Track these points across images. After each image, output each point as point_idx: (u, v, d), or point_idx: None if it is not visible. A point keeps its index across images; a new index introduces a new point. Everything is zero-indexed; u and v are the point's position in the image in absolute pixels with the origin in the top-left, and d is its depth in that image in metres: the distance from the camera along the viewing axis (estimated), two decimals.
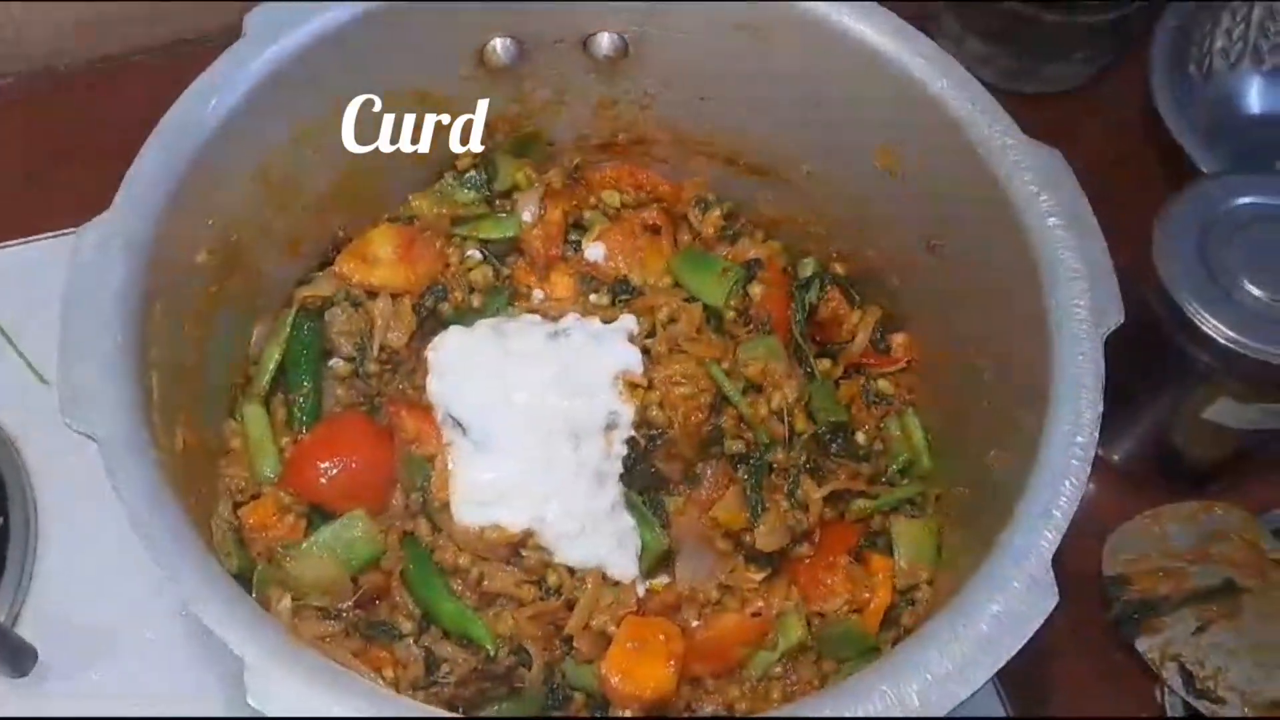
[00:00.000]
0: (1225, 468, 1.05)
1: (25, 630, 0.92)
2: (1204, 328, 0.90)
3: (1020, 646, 0.63)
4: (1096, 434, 0.70)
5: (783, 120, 0.93)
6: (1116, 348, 0.74)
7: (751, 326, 0.90)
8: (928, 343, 0.92)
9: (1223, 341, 0.89)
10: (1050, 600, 0.64)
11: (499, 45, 0.90)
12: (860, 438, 0.91)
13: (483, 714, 0.80)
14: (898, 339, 0.94)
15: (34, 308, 1.04)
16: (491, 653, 0.79)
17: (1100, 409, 0.70)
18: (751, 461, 0.85)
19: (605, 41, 0.91)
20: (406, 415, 0.85)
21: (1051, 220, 0.77)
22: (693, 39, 0.91)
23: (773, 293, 0.91)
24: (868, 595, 0.84)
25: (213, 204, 0.81)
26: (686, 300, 0.90)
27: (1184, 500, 1.02)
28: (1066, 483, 0.68)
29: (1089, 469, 0.69)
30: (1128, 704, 0.97)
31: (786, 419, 0.85)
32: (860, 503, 0.88)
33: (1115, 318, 0.74)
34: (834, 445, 0.89)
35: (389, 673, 0.79)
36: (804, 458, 0.86)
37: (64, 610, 0.94)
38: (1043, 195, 0.78)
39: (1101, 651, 0.98)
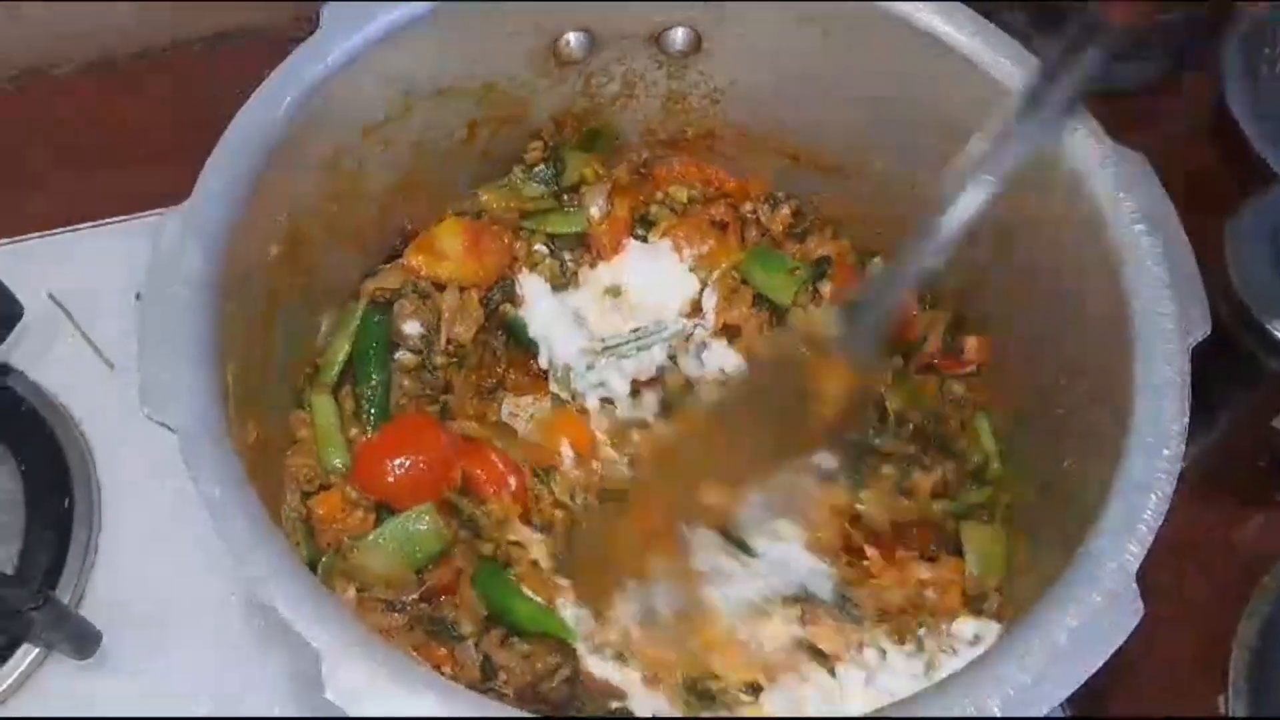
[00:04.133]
0: None
1: (89, 612, 0.92)
2: (1277, 334, 0.88)
3: (1103, 661, 0.62)
4: (1183, 446, 0.68)
5: (855, 117, 0.92)
6: None
7: None
8: (1001, 346, 0.91)
9: None
10: (1135, 615, 0.63)
11: (572, 39, 0.90)
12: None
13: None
14: (969, 341, 0.93)
15: (100, 292, 1.05)
16: (574, 644, 0.78)
17: (1186, 420, 0.69)
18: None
19: (678, 36, 0.91)
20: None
21: (1136, 226, 0.75)
22: (765, 33, 0.90)
23: (843, 292, 0.91)
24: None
25: (284, 198, 0.82)
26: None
27: (1250, 510, 1.00)
28: (1152, 495, 0.67)
29: (1175, 481, 0.67)
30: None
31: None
32: (936, 505, 0.87)
33: (1202, 328, 0.72)
34: (933, 441, 0.89)
35: (447, 670, 0.79)
36: (914, 448, 0.86)
37: (128, 593, 0.94)
38: (1126, 200, 0.76)
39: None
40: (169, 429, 0.66)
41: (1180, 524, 0.98)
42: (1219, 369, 0.93)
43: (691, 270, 0.95)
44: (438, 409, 0.89)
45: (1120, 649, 0.63)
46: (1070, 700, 0.89)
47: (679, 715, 0.78)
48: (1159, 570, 0.96)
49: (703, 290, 0.95)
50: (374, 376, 0.89)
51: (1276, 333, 0.88)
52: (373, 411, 0.88)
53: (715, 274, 0.94)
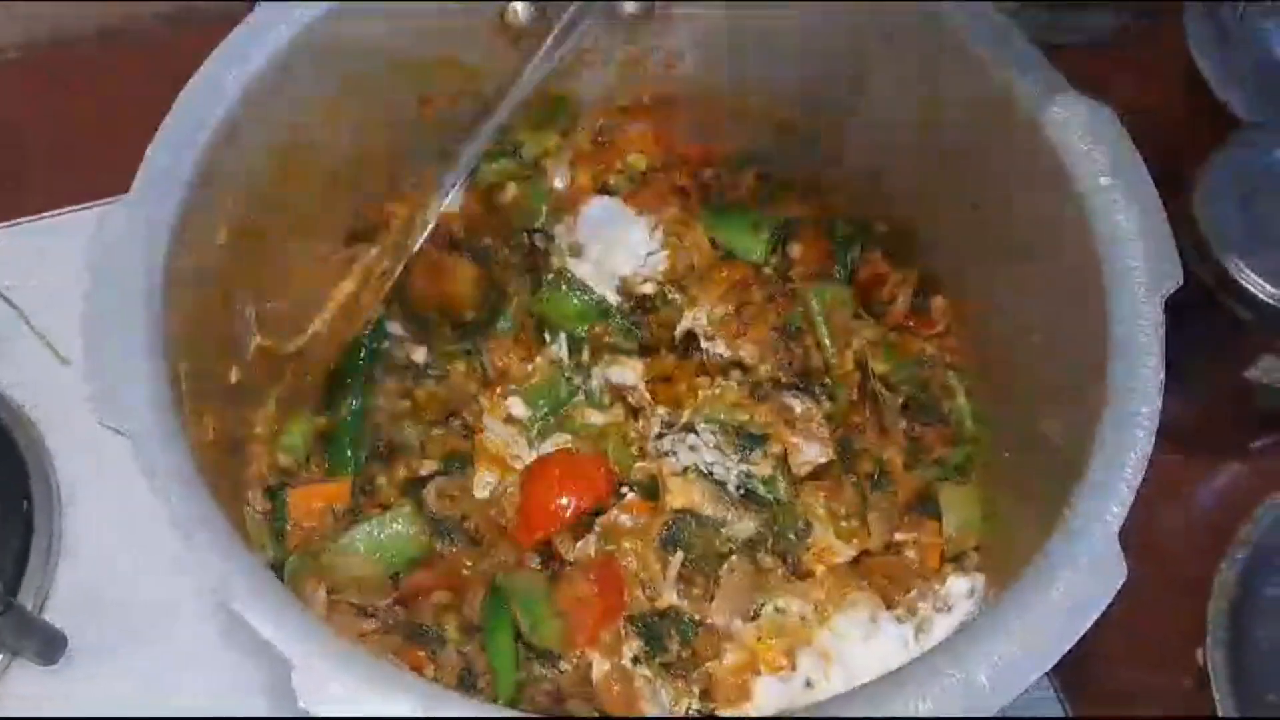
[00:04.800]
0: (1267, 427, 1.03)
1: (54, 616, 0.91)
2: (1246, 284, 0.87)
3: (1090, 625, 0.61)
4: (1160, 402, 0.67)
5: (815, 77, 0.90)
6: None
7: (791, 287, 0.89)
8: (972, 304, 0.90)
9: (1264, 298, 0.87)
10: (1118, 577, 0.62)
11: (519, 8, 0.87)
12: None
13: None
14: (936, 301, 0.92)
15: (50, 285, 1.01)
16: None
17: (1163, 376, 0.68)
18: None
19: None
20: None
21: (1104, 179, 0.74)
22: None
23: (813, 252, 0.90)
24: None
25: (232, 182, 0.79)
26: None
27: (1224, 461, 1.00)
28: (1131, 454, 0.66)
29: (1153, 438, 0.67)
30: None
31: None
32: (913, 471, 0.86)
33: (1173, 280, 0.71)
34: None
35: (429, 672, 0.77)
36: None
37: (92, 594, 0.93)
38: (1094, 151, 0.75)
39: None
40: (120, 433, 0.64)
41: (1155, 479, 0.98)
42: (1188, 320, 0.92)
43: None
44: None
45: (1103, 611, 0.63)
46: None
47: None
48: (1136, 527, 0.96)
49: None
50: None
51: (1246, 282, 0.87)
52: None
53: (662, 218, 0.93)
